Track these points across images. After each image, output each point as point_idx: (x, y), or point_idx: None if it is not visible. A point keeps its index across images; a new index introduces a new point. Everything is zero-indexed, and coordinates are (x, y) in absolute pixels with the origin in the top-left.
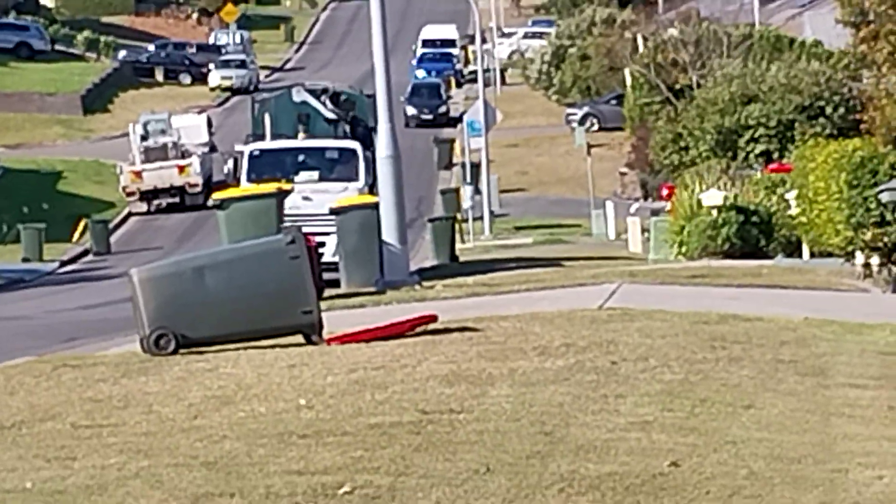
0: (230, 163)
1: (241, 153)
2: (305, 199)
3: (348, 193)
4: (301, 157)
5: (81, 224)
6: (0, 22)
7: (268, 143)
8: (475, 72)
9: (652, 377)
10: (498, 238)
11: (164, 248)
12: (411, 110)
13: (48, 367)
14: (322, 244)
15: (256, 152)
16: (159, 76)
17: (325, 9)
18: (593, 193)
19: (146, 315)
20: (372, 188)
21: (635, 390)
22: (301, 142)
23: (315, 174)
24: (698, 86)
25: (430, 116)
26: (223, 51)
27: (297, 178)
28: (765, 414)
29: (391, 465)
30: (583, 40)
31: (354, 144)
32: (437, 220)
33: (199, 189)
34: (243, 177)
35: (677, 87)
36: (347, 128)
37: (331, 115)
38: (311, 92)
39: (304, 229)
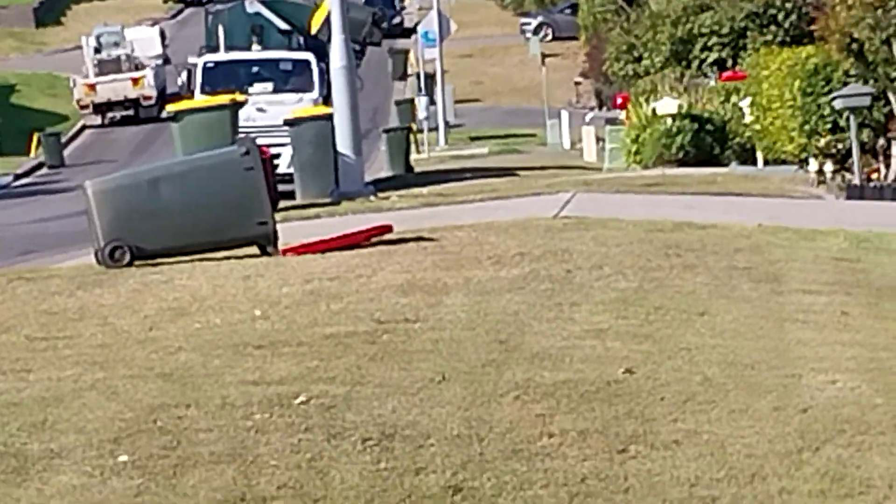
0: (184, 75)
1: (195, 65)
2: (260, 110)
3: (303, 105)
4: (255, 69)
5: (36, 137)
6: None
7: (221, 55)
8: None
9: (606, 285)
10: (453, 148)
11: (119, 161)
12: None
13: (3, 280)
14: (277, 156)
15: (210, 64)
16: None
17: None
18: (548, 103)
19: (101, 227)
20: (327, 99)
21: (590, 298)
22: (255, 53)
23: (269, 85)
24: None
25: (384, 27)
26: None
27: (251, 90)
28: (719, 321)
29: (347, 375)
30: None
31: (308, 55)
32: (392, 131)
33: (153, 101)
34: (197, 89)
35: None
36: (301, 39)
37: (284, 26)
38: (265, 3)
39: (259, 141)
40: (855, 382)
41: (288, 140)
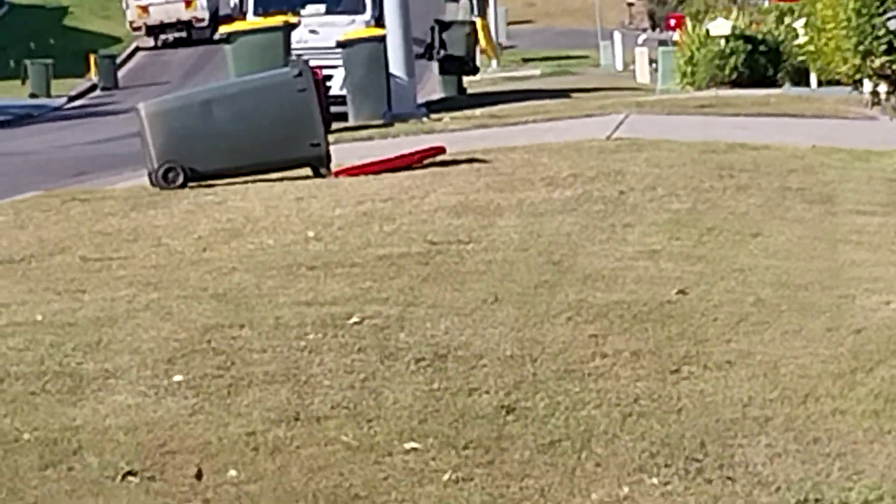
0: None
1: None
2: (312, 32)
3: (355, 26)
4: None
5: (93, 59)
6: None
7: None
8: None
9: (659, 206)
10: (506, 70)
11: (172, 83)
12: None
13: (57, 202)
14: (329, 77)
15: None
16: None
17: None
18: (601, 24)
19: (154, 149)
20: (379, 21)
21: (643, 220)
22: None
23: (321, 7)
24: None
25: None
26: None
27: (303, 11)
28: (772, 241)
29: (399, 296)
30: None
31: None
32: None
33: (205, 23)
34: (249, 10)
35: None
36: None
37: None
38: None
39: (311, 62)
40: None
41: (340, 62)
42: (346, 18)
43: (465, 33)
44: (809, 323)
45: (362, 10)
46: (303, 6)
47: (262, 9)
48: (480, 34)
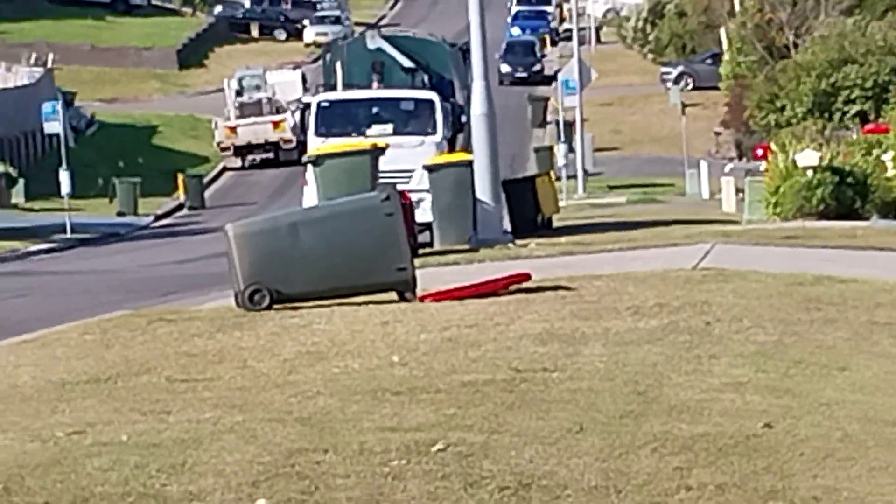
0: (296, 115)
1: (310, 104)
2: None
3: (425, 148)
4: (374, 109)
5: (181, 178)
6: None
7: (338, 94)
8: (570, 30)
9: (746, 338)
10: (591, 197)
11: (258, 204)
12: (506, 68)
13: (144, 321)
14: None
15: (325, 103)
16: (255, 31)
17: None
18: (687, 153)
19: (241, 270)
20: (452, 142)
21: (729, 351)
22: (374, 92)
23: (389, 127)
24: (795, 46)
25: (524, 74)
26: (318, 7)
27: (369, 132)
28: (859, 376)
29: (484, 423)
30: None
31: (431, 95)
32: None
33: (293, 145)
34: (311, 130)
35: (774, 46)
36: (426, 77)
37: (408, 64)
38: (388, 39)
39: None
40: None
41: (409, 184)
42: (415, 140)
43: (528, 192)
44: None
45: (433, 131)
46: (369, 126)
47: (325, 128)
48: (538, 191)
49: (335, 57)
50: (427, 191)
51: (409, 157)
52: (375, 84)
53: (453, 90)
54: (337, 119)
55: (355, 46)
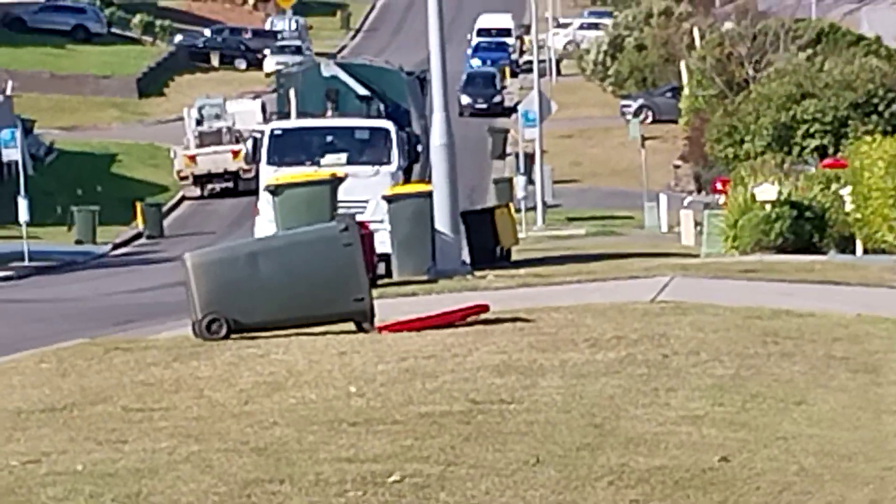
0: (249, 143)
1: (262, 133)
2: None
3: (380, 178)
4: (328, 138)
5: (139, 207)
6: (58, 4)
7: (291, 122)
8: (530, 62)
9: (703, 371)
10: (550, 228)
11: (217, 233)
12: (466, 99)
13: (100, 350)
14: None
15: (278, 131)
16: (215, 61)
17: None
18: (647, 186)
19: (199, 299)
20: (408, 172)
21: (686, 384)
22: (328, 120)
23: (343, 156)
24: (754, 80)
25: (484, 106)
26: (279, 36)
27: (323, 161)
28: (816, 410)
29: (441, 455)
30: (640, 31)
31: (387, 124)
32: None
33: (252, 174)
34: (263, 159)
35: (734, 81)
36: (382, 106)
37: (363, 92)
38: (343, 66)
39: None
40: None
41: (365, 215)
42: (370, 169)
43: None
44: (853, 494)
45: (388, 161)
46: (322, 155)
47: (278, 157)
48: (498, 222)
49: (289, 84)
50: (381, 221)
51: (363, 188)
52: (330, 112)
53: (410, 119)
54: (290, 148)
55: (310, 74)
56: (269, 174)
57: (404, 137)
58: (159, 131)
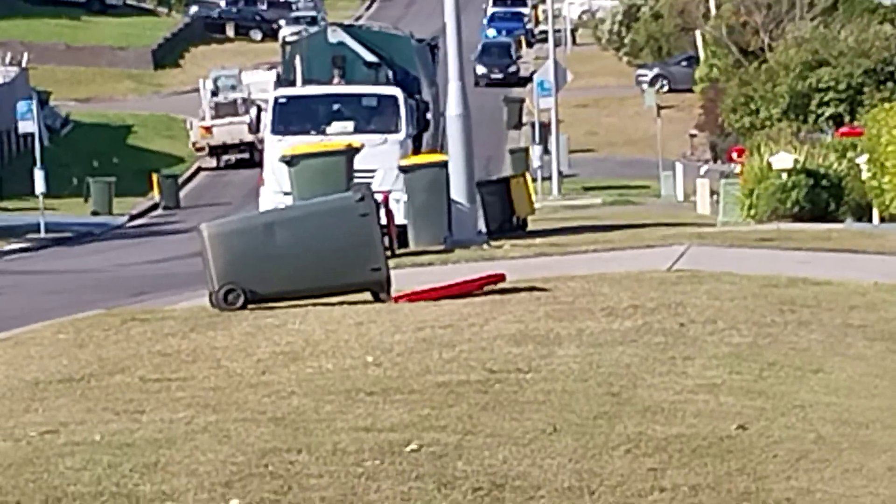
0: (253, 111)
1: (266, 101)
2: None
3: (388, 147)
4: (334, 106)
5: (156, 178)
6: None
7: (296, 90)
8: (545, 31)
9: (720, 340)
10: (566, 198)
11: (233, 204)
12: (481, 69)
13: (117, 321)
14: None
15: (283, 100)
16: (230, 32)
17: None
18: (662, 155)
19: (215, 270)
20: (417, 140)
21: (703, 353)
22: (334, 88)
23: (350, 125)
24: (770, 48)
25: (499, 76)
26: (294, 7)
27: (329, 129)
28: (833, 378)
29: (458, 424)
30: (655, 0)
31: (395, 91)
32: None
33: None
34: (267, 128)
35: (749, 49)
36: (390, 73)
37: (371, 58)
38: (350, 32)
39: None
40: None
41: (375, 184)
42: (377, 138)
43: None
44: (870, 462)
45: (396, 129)
46: (328, 123)
47: (283, 126)
48: (513, 192)
49: (294, 51)
50: (390, 191)
51: (371, 157)
52: (336, 79)
53: (419, 86)
54: (295, 116)
55: (315, 40)
56: (274, 143)
57: (413, 105)
58: (175, 102)
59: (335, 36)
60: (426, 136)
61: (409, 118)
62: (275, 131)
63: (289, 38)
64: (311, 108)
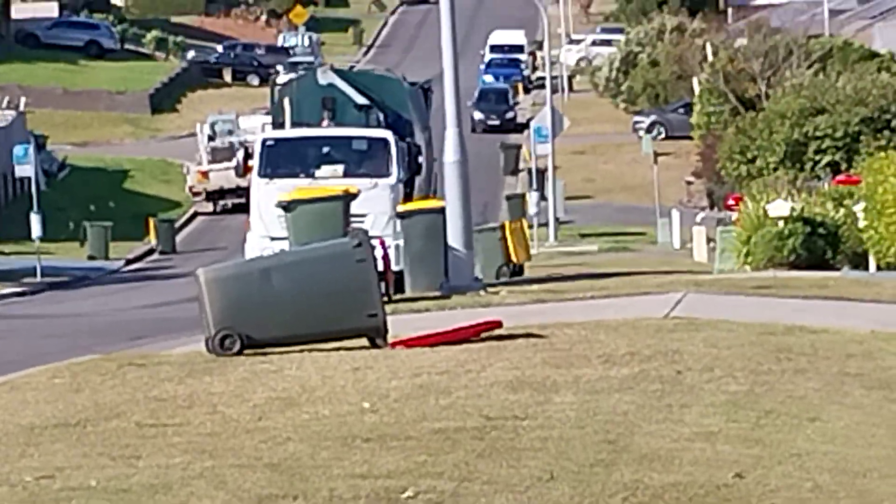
0: (240, 154)
1: (254, 144)
2: None
3: (378, 191)
4: (324, 148)
5: (152, 223)
6: (70, 20)
7: (284, 132)
8: (543, 78)
9: (717, 387)
10: (563, 244)
11: (229, 249)
12: (478, 115)
13: (114, 366)
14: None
15: (270, 142)
16: (227, 77)
17: (393, 12)
18: (659, 202)
19: (212, 315)
20: (409, 185)
21: (700, 400)
22: (323, 130)
23: (339, 168)
24: (767, 96)
25: (497, 122)
26: (291, 52)
27: (318, 173)
28: (830, 427)
29: (455, 471)
30: (653, 48)
31: (386, 134)
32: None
33: None
34: (255, 170)
35: (746, 96)
36: (381, 115)
37: (362, 100)
38: (341, 74)
39: None
40: None
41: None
42: (367, 182)
43: (496, 239)
44: None
45: (386, 173)
46: (318, 167)
47: (271, 168)
48: (509, 238)
49: (284, 93)
50: (381, 237)
51: (361, 201)
52: (326, 122)
53: (411, 130)
54: (283, 159)
55: (305, 82)
56: (261, 187)
57: (405, 148)
58: (172, 147)
59: (325, 77)
60: (418, 181)
61: (400, 162)
62: (262, 174)
63: (279, 80)
64: (300, 151)
